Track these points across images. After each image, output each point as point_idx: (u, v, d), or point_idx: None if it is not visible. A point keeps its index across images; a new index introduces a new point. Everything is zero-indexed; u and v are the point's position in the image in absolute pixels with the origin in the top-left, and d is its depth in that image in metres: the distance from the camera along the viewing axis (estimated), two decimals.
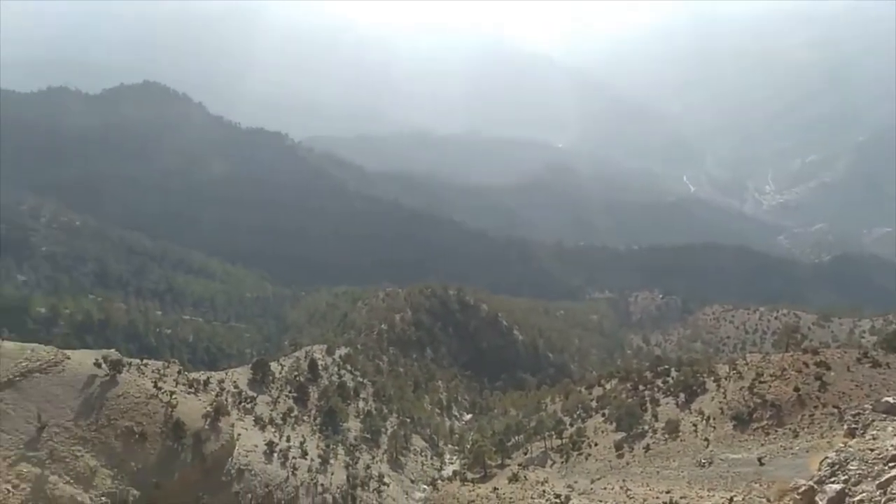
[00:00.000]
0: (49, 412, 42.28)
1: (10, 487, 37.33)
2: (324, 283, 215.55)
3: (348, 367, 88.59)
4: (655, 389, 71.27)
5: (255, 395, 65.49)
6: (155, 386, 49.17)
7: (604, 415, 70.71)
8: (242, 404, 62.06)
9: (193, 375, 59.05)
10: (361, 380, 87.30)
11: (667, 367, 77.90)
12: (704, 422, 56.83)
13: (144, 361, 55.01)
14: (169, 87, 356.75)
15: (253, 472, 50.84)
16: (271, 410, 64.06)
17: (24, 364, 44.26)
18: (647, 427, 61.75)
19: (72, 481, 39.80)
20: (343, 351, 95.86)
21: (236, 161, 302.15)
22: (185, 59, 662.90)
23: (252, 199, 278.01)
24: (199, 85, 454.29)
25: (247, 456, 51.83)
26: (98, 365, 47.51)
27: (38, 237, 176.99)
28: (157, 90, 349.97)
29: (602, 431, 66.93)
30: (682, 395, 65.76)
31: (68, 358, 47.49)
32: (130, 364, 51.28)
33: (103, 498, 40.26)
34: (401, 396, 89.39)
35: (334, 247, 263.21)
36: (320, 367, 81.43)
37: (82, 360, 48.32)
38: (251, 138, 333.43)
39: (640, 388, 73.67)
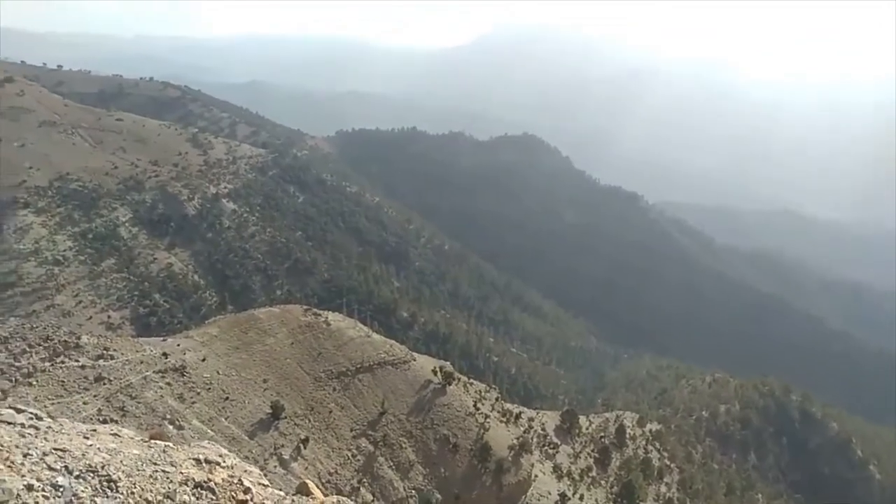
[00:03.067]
0: (390, 401, 49.69)
1: (349, 455, 44.89)
2: (648, 350, 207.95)
3: (657, 445, 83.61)
4: None
5: (559, 442, 66.44)
6: (474, 405, 53.71)
7: None
8: (545, 448, 63.51)
9: (508, 406, 62.77)
10: (668, 463, 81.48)
11: None
12: None
13: (471, 380, 60.59)
14: (544, 140, 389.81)
15: None
16: (571, 463, 64.15)
17: (383, 356, 52.96)
18: None
19: (393, 467, 45.93)
20: (655, 426, 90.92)
21: (588, 214, 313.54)
22: (566, 117, 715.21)
23: (595, 252, 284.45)
24: (572, 142, 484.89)
25: (539, 500, 52.79)
26: (435, 373, 54.11)
27: (414, 253, 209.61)
28: (533, 142, 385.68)
29: None
30: None
31: (414, 360, 55.19)
32: (459, 379, 57.03)
33: (413, 491, 45.47)
34: (709, 495, 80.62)
35: (667, 315, 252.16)
36: (628, 436, 78.64)
37: (424, 364, 55.60)
38: (606, 195, 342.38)
39: None
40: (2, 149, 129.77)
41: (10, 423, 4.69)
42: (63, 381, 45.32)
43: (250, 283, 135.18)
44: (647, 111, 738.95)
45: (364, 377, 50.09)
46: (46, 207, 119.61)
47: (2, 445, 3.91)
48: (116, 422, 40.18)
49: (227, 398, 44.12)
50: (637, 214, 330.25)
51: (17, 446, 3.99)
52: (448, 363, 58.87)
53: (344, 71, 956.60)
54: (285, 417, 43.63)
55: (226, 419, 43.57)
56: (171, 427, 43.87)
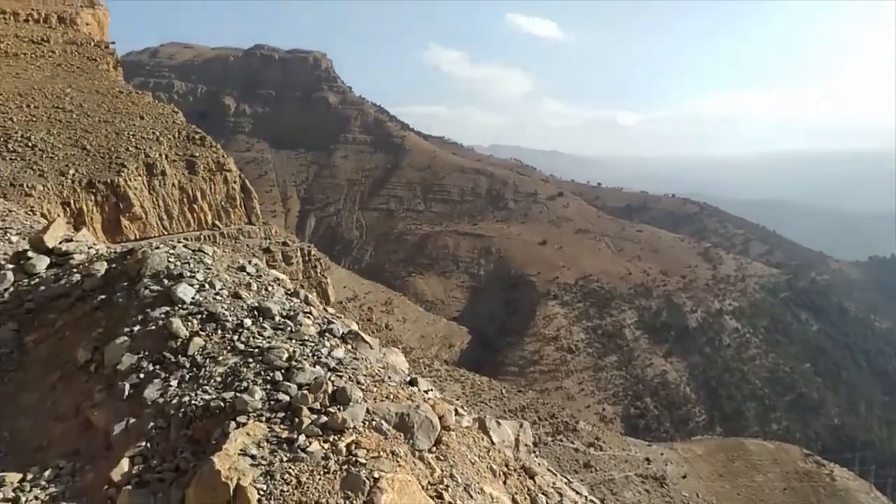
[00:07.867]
0: None
1: None
2: None
3: None
4: None
5: None
6: None
7: None
8: None
9: None
10: None
11: None
12: None
13: None
14: None
15: None
16: None
17: None
18: None
19: None
20: None
21: None
22: None
23: None
24: None
25: None
26: None
27: None
28: None
29: None
30: None
31: None
32: None
33: None
34: None
35: None
36: None
37: None
38: None
39: None
40: (546, 249, 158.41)
41: (578, 494, 5.99)
42: (559, 458, 51.02)
43: (743, 409, 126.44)
44: None
45: None
46: (570, 301, 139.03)
47: None
48: None
49: None
50: None
51: None
52: None
53: (887, 189, 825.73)
54: None
55: None
56: None
